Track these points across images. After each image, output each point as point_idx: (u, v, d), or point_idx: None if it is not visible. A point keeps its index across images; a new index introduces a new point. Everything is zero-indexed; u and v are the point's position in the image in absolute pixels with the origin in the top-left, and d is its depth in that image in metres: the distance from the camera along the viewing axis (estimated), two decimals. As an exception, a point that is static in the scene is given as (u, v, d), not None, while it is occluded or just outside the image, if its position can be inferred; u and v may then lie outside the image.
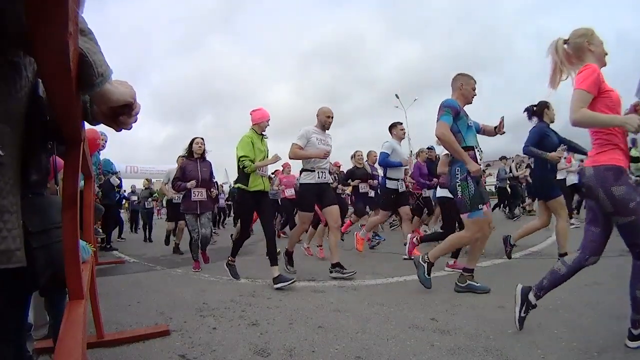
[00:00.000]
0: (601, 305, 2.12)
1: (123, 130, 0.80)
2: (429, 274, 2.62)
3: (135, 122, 0.79)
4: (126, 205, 13.04)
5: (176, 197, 5.35)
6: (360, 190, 5.25)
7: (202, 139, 4.12)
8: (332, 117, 3.47)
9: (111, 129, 0.78)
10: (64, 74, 0.52)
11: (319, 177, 3.36)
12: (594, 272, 2.86)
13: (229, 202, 10.75)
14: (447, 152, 3.40)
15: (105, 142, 4.39)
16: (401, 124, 4.55)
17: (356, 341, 1.80)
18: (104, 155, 5.20)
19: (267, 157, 3.34)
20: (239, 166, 3.26)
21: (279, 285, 2.93)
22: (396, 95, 22.34)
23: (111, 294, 2.89)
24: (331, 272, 3.26)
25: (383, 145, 4.40)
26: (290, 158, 3.51)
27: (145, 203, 8.41)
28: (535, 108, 3.47)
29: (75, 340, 0.65)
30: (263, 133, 3.39)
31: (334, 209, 3.38)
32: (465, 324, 1.96)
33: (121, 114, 0.74)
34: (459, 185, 2.55)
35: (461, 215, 2.62)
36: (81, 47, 0.60)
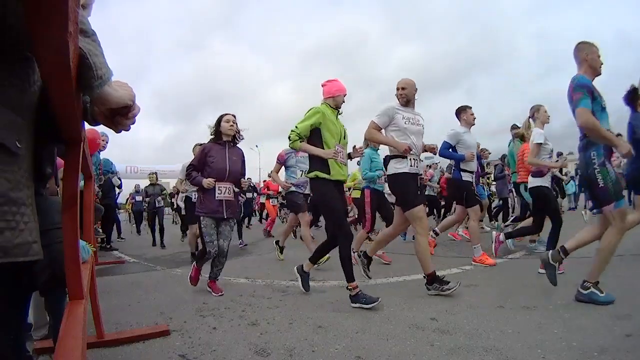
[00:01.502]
0: (601, 306, 2.12)
1: (122, 131, 0.80)
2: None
3: (134, 124, 0.80)
4: (129, 206, 12.80)
5: (194, 196, 4.36)
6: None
7: (234, 116, 2.94)
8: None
9: (111, 129, 0.79)
10: (63, 73, 0.52)
11: (411, 166, 2.73)
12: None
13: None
14: (538, 141, 3.16)
15: (106, 142, 4.39)
16: (470, 107, 3.87)
17: (356, 341, 1.80)
18: (103, 155, 5.18)
19: (343, 139, 2.70)
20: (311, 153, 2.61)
21: (359, 306, 2.33)
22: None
23: (111, 294, 2.89)
24: (429, 289, 2.61)
25: (447, 134, 3.79)
26: (365, 138, 2.98)
27: (156, 202, 6.81)
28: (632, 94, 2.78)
29: (75, 340, 0.65)
30: (339, 109, 2.73)
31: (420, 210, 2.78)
32: (465, 324, 1.96)
33: (120, 115, 0.74)
34: (598, 172, 2.17)
35: (604, 208, 2.20)
36: (82, 48, 0.60)
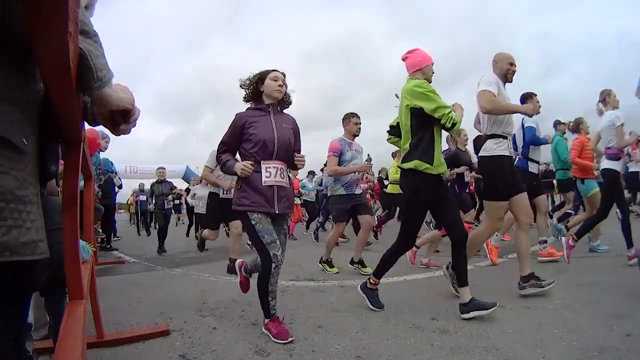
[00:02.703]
0: (601, 305, 2.13)
1: (121, 134, 0.81)
2: None
3: (134, 127, 0.80)
4: (131, 205, 12.51)
5: (225, 191, 3.78)
6: (465, 180, 4.14)
7: (285, 75, 2.07)
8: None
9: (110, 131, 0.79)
10: (63, 74, 0.52)
11: (509, 148, 2.40)
12: (593, 271, 2.87)
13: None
14: (620, 122, 2.97)
15: (108, 143, 4.36)
16: (536, 95, 3.61)
17: (356, 341, 1.80)
18: (104, 155, 5.17)
19: None
20: (415, 139, 2.16)
21: (472, 315, 2.00)
22: (396, 95, 22.30)
23: (111, 294, 2.89)
24: (523, 287, 2.35)
25: (525, 120, 3.49)
26: (488, 111, 2.34)
27: (165, 202, 5.92)
28: None
29: (75, 340, 0.65)
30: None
31: (524, 199, 2.43)
32: (465, 324, 1.96)
33: (119, 118, 0.74)
34: None
35: None
36: (83, 49, 0.60)
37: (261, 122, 1.99)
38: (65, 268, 0.76)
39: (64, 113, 0.66)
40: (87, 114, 0.84)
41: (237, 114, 2.04)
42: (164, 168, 6.34)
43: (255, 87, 2.05)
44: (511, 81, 2.51)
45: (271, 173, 1.95)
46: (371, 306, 2.28)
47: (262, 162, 1.95)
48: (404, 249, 2.31)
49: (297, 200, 7.43)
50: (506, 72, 2.46)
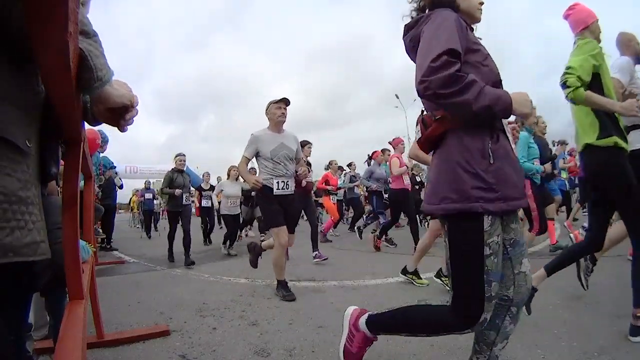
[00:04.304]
0: (601, 305, 2.13)
1: (122, 130, 0.81)
2: None
3: (131, 124, 0.80)
4: (134, 205, 12.10)
5: (281, 185, 2.86)
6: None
7: None
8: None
9: (112, 128, 0.79)
10: (63, 74, 0.52)
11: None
12: (593, 272, 2.86)
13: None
14: None
15: (106, 143, 4.34)
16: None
17: (356, 341, 1.80)
18: (102, 155, 5.15)
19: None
20: (599, 111, 1.74)
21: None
22: (396, 95, 22.39)
23: (111, 294, 2.89)
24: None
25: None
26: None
27: (182, 199, 4.76)
28: None
29: (75, 341, 0.65)
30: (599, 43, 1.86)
31: None
32: (465, 324, 1.96)
33: (119, 114, 0.74)
34: None
35: None
36: (83, 49, 0.60)
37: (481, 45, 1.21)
38: (65, 268, 0.76)
39: (64, 113, 0.66)
40: (87, 114, 0.84)
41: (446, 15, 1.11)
42: (184, 155, 5.04)
43: None
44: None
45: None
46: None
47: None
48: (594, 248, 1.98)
49: (335, 199, 6.87)
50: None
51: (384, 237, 4.93)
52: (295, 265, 3.68)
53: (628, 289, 1.79)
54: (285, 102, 2.92)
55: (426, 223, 6.94)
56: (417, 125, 1.22)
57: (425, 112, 1.18)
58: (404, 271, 2.96)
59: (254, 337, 1.90)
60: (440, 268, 2.79)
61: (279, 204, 2.83)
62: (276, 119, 2.89)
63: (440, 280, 2.75)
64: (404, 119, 24.80)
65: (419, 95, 1.06)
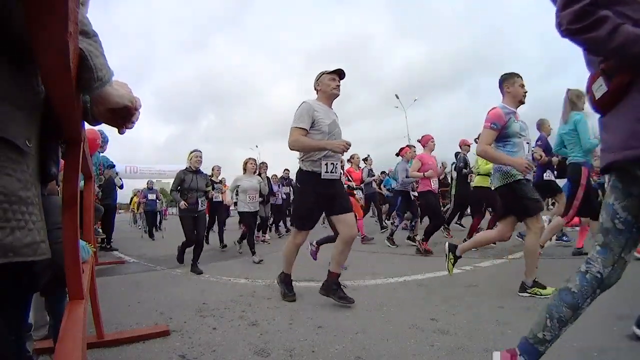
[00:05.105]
0: (601, 305, 2.12)
1: (121, 133, 0.81)
2: None
3: (133, 124, 0.80)
4: (134, 205, 11.93)
5: (329, 168, 2.46)
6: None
7: None
8: None
9: (112, 128, 0.79)
10: (63, 74, 0.52)
11: None
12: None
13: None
14: None
15: (106, 143, 4.32)
16: None
17: (356, 341, 1.80)
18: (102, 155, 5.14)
19: None
20: None
21: None
22: (396, 95, 22.43)
23: (111, 294, 2.89)
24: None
25: None
26: None
27: (200, 201, 4.10)
28: None
29: (75, 341, 0.65)
30: None
31: None
32: (465, 324, 1.96)
33: (120, 115, 0.74)
34: None
35: None
36: (83, 50, 0.60)
37: None
38: (65, 268, 0.76)
39: (64, 113, 0.66)
40: (87, 114, 0.84)
41: None
42: (200, 151, 4.24)
43: None
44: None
45: None
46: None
47: None
48: None
49: (360, 194, 6.04)
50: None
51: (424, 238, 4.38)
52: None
53: (628, 289, 1.79)
54: (338, 73, 2.48)
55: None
56: (590, 84, 1.09)
57: (602, 64, 1.05)
58: (522, 289, 2.43)
59: (254, 337, 1.90)
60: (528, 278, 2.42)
61: (319, 197, 2.42)
62: (330, 90, 2.46)
63: (528, 292, 2.39)
64: (404, 119, 24.81)
65: (561, 35, 0.99)
